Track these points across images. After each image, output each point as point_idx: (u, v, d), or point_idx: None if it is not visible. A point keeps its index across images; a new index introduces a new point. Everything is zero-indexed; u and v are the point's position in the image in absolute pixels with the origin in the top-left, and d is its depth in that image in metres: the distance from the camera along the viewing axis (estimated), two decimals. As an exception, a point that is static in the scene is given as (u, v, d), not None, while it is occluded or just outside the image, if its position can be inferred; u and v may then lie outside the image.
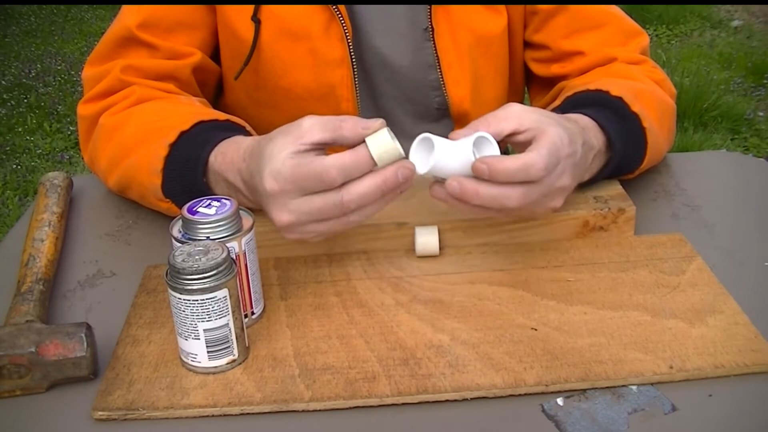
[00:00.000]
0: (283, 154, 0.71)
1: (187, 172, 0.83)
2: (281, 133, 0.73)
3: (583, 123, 0.83)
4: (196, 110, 0.91)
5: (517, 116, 0.76)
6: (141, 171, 0.87)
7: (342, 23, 0.97)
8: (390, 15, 1.01)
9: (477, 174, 0.71)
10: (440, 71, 1.02)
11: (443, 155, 0.72)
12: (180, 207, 0.72)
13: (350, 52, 0.99)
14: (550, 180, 0.73)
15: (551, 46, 1.03)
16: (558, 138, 0.74)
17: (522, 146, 0.76)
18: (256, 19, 0.97)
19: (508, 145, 0.80)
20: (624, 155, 0.87)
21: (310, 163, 0.70)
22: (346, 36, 0.98)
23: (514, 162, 0.71)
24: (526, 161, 0.71)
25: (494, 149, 0.73)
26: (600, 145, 0.84)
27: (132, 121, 0.91)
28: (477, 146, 0.73)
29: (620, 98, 0.87)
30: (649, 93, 0.94)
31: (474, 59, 1.02)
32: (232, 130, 0.86)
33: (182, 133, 0.84)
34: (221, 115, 0.89)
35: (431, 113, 1.07)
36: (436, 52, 1.01)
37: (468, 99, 1.03)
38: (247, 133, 0.87)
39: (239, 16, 0.98)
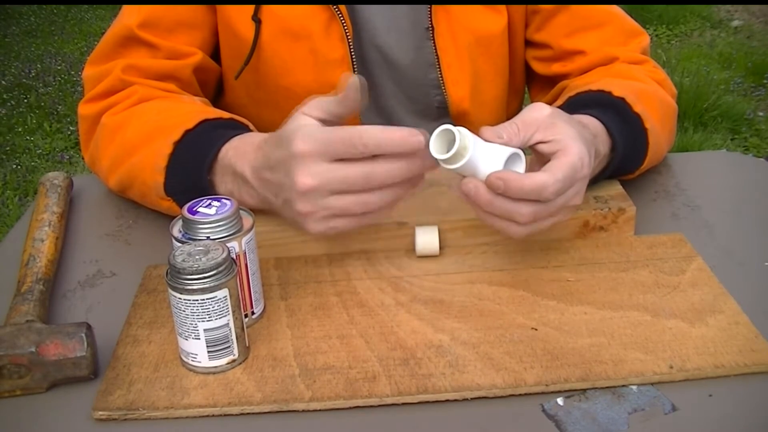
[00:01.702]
0: (312, 122, 0.73)
1: (191, 171, 0.83)
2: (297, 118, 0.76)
3: (594, 129, 0.82)
4: (200, 109, 0.91)
5: (544, 126, 0.74)
6: (144, 170, 0.87)
7: (342, 23, 0.97)
8: (391, 13, 1.01)
9: (492, 188, 0.71)
10: (440, 70, 1.02)
11: (476, 157, 0.71)
12: (181, 206, 0.72)
13: (351, 52, 0.99)
14: (563, 199, 0.73)
15: (552, 45, 1.03)
16: (578, 159, 0.72)
17: (542, 156, 0.75)
18: (256, 19, 0.97)
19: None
20: (625, 156, 0.87)
21: (343, 129, 0.71)
22: (347, 36, 0.98)
23: (529, 182, 0.70)
24: (540, 183, 0.70)
25: (521, 166, 0.73)
26: (606, 150, 0.84)
27: (134, 121, 0.91)
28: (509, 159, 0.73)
29: (623, 99, 0.87)
30: (651, 93, 0.94)
31: (474, 59, 1.02)
32: (236, 128, 0.86)
33: (187, 132, 0.84)
34: (225, 114, 0.89)
35: (432, 112, 1.07)
36: (436, 51, 1.01)
37: (467, 98, 1.03)
38: (251, 132, 0.87)
39: (240, 16, 0.98)
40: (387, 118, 1.07)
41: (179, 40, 0.98)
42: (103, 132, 0.94)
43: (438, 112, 1.06)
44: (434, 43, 1.01)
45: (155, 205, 0.89)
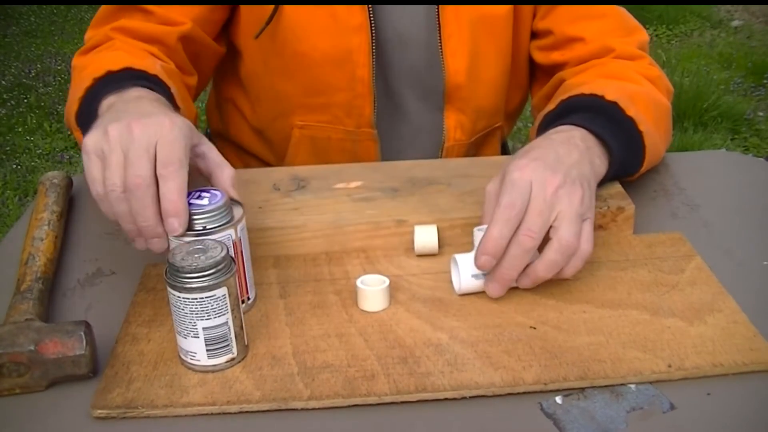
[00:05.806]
0: (186, 125, 0.74)
1: (93, 103, 0.85)
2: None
3: (574, 134, 0.83)
4: (137, 61, 0.92)
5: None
6: (70, 101, 0.91)
7: None
8: None
9: (482, 266, 0.73)
10: (440, 42, 1.03)
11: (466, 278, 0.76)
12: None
13: (370, 19, 1.00)
14: (537, 202, 0.73)
15: (555, 31, 1.05)
16: (510, 174, 0.75)
17: None
18: None
19: None
20: (623, 159, 0.87)
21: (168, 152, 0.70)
22: (368, 5, 0.99)
23: (488, 231, 0.72)
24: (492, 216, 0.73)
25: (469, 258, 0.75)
26: (597, 148, 0.84)
27: (92, 64, 0.94)
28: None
29: (615, 103, 0.87)
30: (645, 95, 0.94)
31: (475, 35, 1.03)
32: (156, 84, 0.88)
33: (108, 72, 0.88)
34: (155, 70, 0.90)
35: (437, 97, 1.07)
36: (439, 22, 1.02)
37: (463, 72, 1.04)
38: (170, 96, 0.88)
39: None
40: (395, 102, 1.08)
41: (175, 11, 1.01)
42: (72, 73, 0.99)
43: (441, 98, 1.07)
44: (438, 15, 1.01)
45: (75, 138, 0.92)
